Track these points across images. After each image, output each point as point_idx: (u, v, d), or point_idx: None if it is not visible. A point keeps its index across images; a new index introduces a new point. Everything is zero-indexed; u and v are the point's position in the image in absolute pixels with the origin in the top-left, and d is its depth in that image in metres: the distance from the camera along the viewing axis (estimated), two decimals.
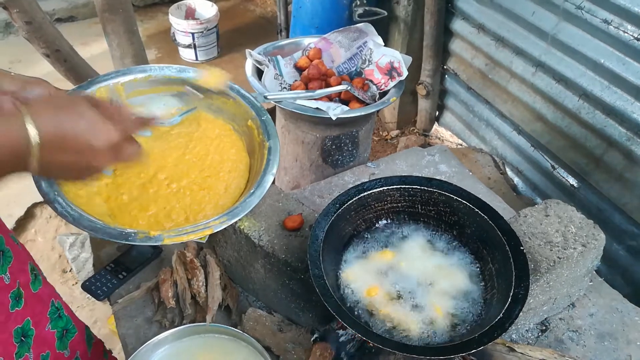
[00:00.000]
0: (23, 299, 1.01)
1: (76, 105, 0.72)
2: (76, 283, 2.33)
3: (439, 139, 3.01)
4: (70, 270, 2.37)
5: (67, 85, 2.13)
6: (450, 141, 2.95)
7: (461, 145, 2.88)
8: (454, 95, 2.81)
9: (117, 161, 0.77)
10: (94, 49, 3.30)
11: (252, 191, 1.02)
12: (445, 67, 2.76)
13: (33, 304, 1.05)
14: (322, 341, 1.08)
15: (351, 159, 1.77)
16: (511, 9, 2.21)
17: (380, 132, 3.14)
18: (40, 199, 0.97)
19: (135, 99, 1.17)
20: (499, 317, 0.90)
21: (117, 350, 2.11)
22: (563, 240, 1.13)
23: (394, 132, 3.10)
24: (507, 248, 1.01)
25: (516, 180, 2.56)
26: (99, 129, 0.72)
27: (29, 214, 2.46)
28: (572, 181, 2.19)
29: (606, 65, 1.88)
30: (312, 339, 1.10)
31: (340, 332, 1.08)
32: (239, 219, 0.99)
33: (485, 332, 0.88)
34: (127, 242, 0.94)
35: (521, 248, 1.00)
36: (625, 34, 1.77)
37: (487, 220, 1.07)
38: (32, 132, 0.65)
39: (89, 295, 1.33)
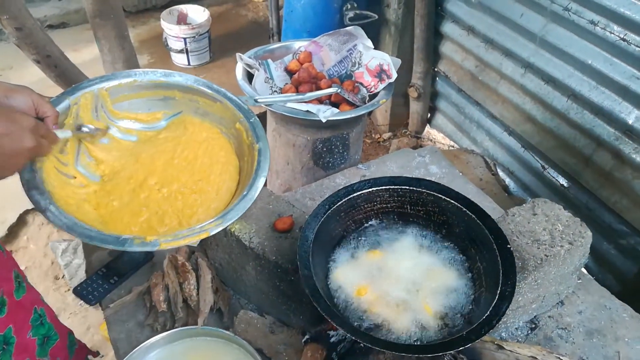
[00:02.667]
0: (6, 307, 1.01)
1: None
2: (69, 289, 2.32)
3: (431, 140, 3.03)
4: (62, 277, 2.37)
5: (58, 90, 2.13)
6: (442, 143, 2.97)
7: (453, 146, 2.90)
8: (445, 97, 2.83)
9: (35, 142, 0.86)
10: (85, 55, 3.30)
11: (244, 193, 1.02)
12: (436, 69, 2.78)
13: (16, 311, 1.04)
14: (313, 342, 1.09)
15: (342, 161, 1.78)
16: (500, 12, 2.24)
17: (373, 135, 3.15)
18: (32, 205, 0.98)
19: (120, 104, 1.17)
20: (486, 315, 0.91)
21: (110, 356, 2.10)
22: (550, 238, 1.14)
23: (387, 135, 3.11)
24: (495, 246, 1.02)
25: (507, 180, 2.58)
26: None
27: (20, 221, 2.45)
28: (563, 181, 2.21)
29: (594, 66, 1.91)
30: (303, 340, 1.11)
31: (331, 332, 1.09)
32: (235, 222, 0.99)
33: (472, 329, 0.89)
34: (123, 249, 0.93)
35: (508, 246, 1.01)
36: (612, 35, 1.79)
37: (475, 219, 1.08)
38: None
39: (80, 300, 1.33)
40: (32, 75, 2.90)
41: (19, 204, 2.42)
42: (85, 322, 2.21)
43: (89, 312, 2.23)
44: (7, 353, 1.01)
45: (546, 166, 2.26)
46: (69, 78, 2.08)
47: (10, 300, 1.02)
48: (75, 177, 1.06)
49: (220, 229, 0.97)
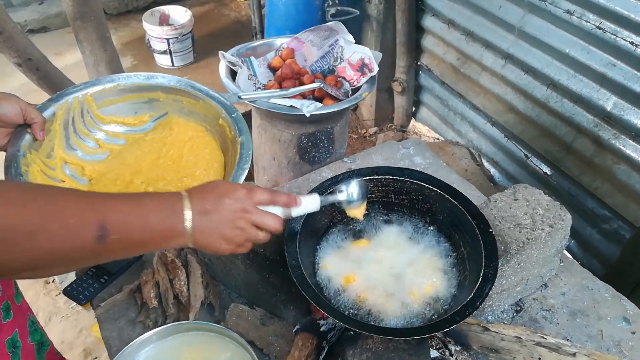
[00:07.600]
0: (11, 311, 1.02)
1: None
2: (59, 293, 2.32)
3: (417, 134, 3.06)
4: (52, 281, 2.36)
5: (41, 94, 2.13)
6: (427, 136, 3.00)
7: (438, 139, 2.93)
8: (429, 90, 2.86)
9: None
10: (68, 58, 3.29)
11: None
12: (418, 63, 2.81)
13: (18, 316, 1.05)
14: (304, 332, 1.11)
15: (327, 155, 1.80)
16: (478, 4, 2.27)
17: (359, 130, 3.18)
18: None
19: (106, 108, 1.18)
20: (470, 297, 0.94)
21: (104, 358, 2.10)
22: (531, 222, 1.17)
23: (372, 129, 3.14)
24: (477, 231, 1.05)
25: (492, 170, 2.62)
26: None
27: None
28: (545, 169, 2.25)
29: (571, 55, 1.95)
30: (293, 331, 1.13)
31: (321, 322, 1.11)
32: None
33: (457, 311, 0.92)
34: None
35: (490, 230, 1.04)
36: (588, 24, 1.83)
37: (458, 205, 1.10)
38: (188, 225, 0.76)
39: (72, 302, 1.33)
40: (13, 81, 2.89)
41: None
42: (77, 325, 2.21)
43: (81, 315, 2.23)
44: (16, 356, 1.02)
45: (529, 155, 2.30)
46: (52, 81, 2.08)
47: (14, 305, 1.04)
48: (63, 181, 1.07)
49: None
